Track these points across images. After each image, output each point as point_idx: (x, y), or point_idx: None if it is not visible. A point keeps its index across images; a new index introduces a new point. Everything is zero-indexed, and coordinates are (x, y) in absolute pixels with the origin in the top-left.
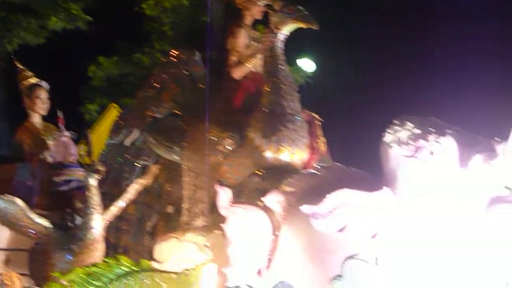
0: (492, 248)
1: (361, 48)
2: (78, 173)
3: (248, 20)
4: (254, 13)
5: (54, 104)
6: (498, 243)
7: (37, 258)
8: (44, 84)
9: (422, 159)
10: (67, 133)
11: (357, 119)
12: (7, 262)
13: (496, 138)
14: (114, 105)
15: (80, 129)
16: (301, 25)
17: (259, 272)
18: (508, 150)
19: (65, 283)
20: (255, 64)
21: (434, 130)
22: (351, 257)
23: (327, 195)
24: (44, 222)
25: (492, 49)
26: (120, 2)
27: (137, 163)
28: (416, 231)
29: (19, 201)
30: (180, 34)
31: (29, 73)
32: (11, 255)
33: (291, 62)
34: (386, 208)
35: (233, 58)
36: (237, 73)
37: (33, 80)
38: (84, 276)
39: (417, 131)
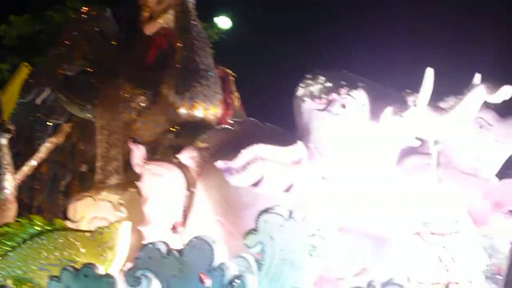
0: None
1: (274, 4)
2: None
3: None
4: None
5: None
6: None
7: None
8: None
9: (335, 112)
10: None
11: (271, 75)
12: None
13: (407, 90)
14: (26, 64)
15: None
16: None
17: (174, 229)
18: (420, 101)
19: None
20: (167, 20)
21: (345, 83)
22: (265, 211)
23: (242, 150)
24: None
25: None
26: None
27: (49, 122)
28: (330, 184)
29: None
30: None
31: None
32: None
33: (206, 19)
34: (300, 162)
35: (145, 14)
36: (149, 29)
37: None
38: None
39: (329, 85)
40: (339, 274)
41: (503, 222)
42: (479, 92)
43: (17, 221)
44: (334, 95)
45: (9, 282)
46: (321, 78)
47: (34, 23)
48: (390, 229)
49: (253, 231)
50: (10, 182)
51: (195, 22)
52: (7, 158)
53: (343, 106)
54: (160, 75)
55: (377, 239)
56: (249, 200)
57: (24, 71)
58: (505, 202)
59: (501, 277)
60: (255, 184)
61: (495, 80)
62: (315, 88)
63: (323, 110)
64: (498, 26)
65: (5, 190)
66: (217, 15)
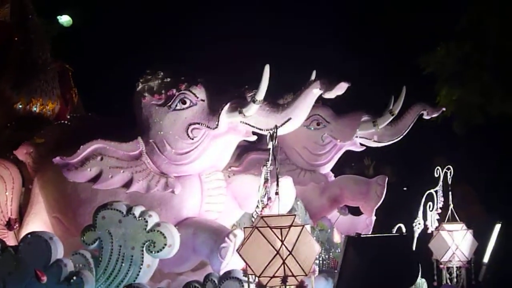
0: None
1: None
2: None
3: None
4: None
5: None
6: None
7: None
8: None
9: (174, 108)
10: None
11: (111, 70)
12: None
13: (245, 86)
14: None
15: None
16: None
17: (9, 226)
18: (257, 97)
19: None
20: (3, 14)
21: (185, 79)
22: (103, 206)
23: (80, 146)
24: None
25: None
26: None
27: None
28: (170, 180)
29: None
30: None
31: None
32: None
33: (45, 14)
34: (139, 157)
35: None
36: None
37: None
38: None
39: (169, 80)
40: (178, 269)
41: (339, 217)
42: (315, 88)
43: None
44: (173, 91)
45: None
46: (160, 73)
47: None
48: (226, 223)
49: (91, 227)
50: None
51: (31, 16)
52: None
53: (183, 101)
54: None
55: (214, 233)
56: (87, 196)
57: None
58: (340, 198)
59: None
60: (93, 180)
61: (331, 76)
62: (155, 83)
63: (162, 105)
64: (335, 25)
65: None
66: (57, 11)
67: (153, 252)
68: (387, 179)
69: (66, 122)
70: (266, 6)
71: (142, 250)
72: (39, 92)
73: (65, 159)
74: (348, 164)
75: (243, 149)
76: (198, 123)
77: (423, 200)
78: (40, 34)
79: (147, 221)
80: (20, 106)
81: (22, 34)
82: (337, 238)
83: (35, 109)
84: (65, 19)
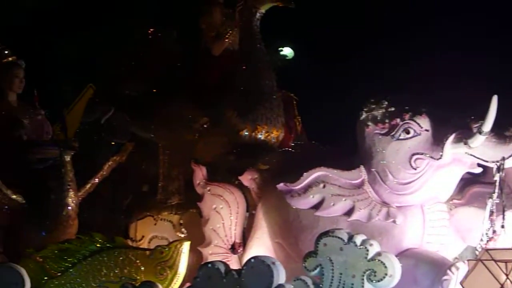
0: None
1: (338, 31)
2: (53, 152)
3: None
4: None
5: (29, 83)
6: None
7: (11, 235)
8: (22, 62)
9: (397, 137)
10: (42, 112)
11: (334, 99)
12: None
13: (471, 117)
14: (91, 85)
15: (56, 109)
16: (278, 3)
17: (233, 250)
18: (484, 128)
19: (39, 259)
20: (233, 41)
21: (409, 108)
22: (325, 234)
23: (303, 173)
24: (19, 199)
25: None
26: None
27: (112, 141)
28: (392, 210)
29: None
30: (156, 13)
31: (7, 52)
32: None
33: (269, 45)
34: (361, 186)
35: (211, 34)
36: (216, 49)
37: (11, 58)
38: (57, 253)
39: (392, 109)
40: None
41: None
42: None
43: (78, 237)
44: (397, 120)
45: None
46: (384, 103)
47: (99, 45)
48: (448, 255)
49: (313, 254)
50: (73, 199)
51: (259, 45)
52: (70, 175)
53: (407, 131)
54: (223, 97)
55: (436, 265)
56: (309, 222)
57: (89, 92)
58: None
59: None
60: (315, 207)
61: None
62: (378, 112)
63: (386, 134)
64: None
65: (68, 207)
66: (280, 43)
67: (374, 281)
68: None
69: (290, 149)
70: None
71: (363, 279)
72: (264, 120)
73: (289, 185)
74: None
75: (465, 182)
76: (422, 153)
77: None
78: (266, 63)
79: (368, 250)
80: (246, 133)
81: (250, 63)
82: None
83: (260, 136)
84: (287, 51)
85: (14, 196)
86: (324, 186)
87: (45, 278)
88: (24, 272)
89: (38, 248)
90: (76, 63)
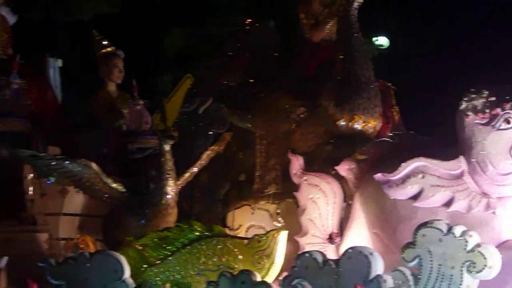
0: None
1: (435, 18)
2: (152, 141)
3: None
4: None
5: (128, 73)
6: None
7: (111, 223)
8: (121, 53)
9: (498, 127)
10: (141, 102)
11: (432, 88)
12: (81, 227)
13: None
14: (189, 75)
15: (154, 99)
16: None
17: (330, 239)
18: None
19: (138, 247)
20: (330, 30)
21: (510, 98)
22: (424, 224)
23: (401, 163)
24: (119, 187)
25: None
26: None
27: (210, 131)
28: (492, 201)
29: (94, 166)
30: (253, 4)
31: (106, 42)
32: (85, 220)
33: (365, 34)
34: (461, 177)
35: (310, 22)
36: (316, 36)
37: (111, 49)
38: (157, 241)
39: (493, 99)
40: None
41: None
42: None
43: (177, 226)
44: (498, 110)
45: (167, 286)
46: (485, 93)
47: (196, 36)
48: None
49: (411, 244)
50: (172, 188)
51: (357, 35)
52: (170, 164)
53: (507, 121)
54: (320, 87)
55: None
56: (407, 213)
57: (187, 82)
58: None
59: None
60: (414, 197)
61: None
62: (479, 102)
63: (486, 124)
64: None
65: (167, 196)
66: (376, 32)
67: (473, 272)
68: None
69: (387, 139)
70: None
71: (462, 270)
72: (361, 109)
73: (387, 176)
74: None
75: None
76: None
77: None
78: (363, 53)
79: (467, 241)
80: (343, 123)
81: (347, 52)
82: None
83: (357, 126)
84: (383, 40)
85: (114, 185)
86: (423, 177)
87: (145, 266)
88: (123, 260)
89: (137, 236)
90: (174, 54)
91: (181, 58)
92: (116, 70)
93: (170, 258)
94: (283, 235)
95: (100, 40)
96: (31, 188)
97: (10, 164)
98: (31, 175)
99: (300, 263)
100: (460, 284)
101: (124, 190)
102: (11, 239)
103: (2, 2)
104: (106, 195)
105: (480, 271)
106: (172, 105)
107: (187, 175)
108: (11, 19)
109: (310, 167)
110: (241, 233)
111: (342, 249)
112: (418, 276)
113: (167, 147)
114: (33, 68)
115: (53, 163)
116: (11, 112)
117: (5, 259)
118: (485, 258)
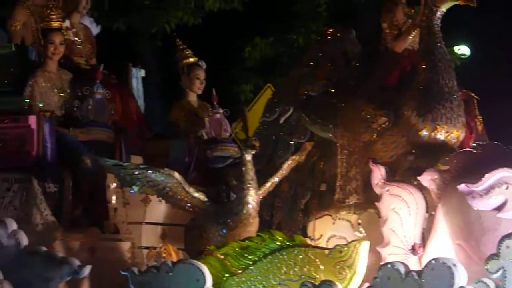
0: None
1: None
2: (232, 149)
3: None
4: None
5: (209, 82)
6: None
7: (193, 233)
8: (203, 64)
9: None
10: (221, 110)
11: None
12: (163, 236)
13: None
14: (270, 85)
15: (234, 108)
16: (460, 1)
17: (413, 250)
18: None
19: (220, 256)
20: (413, 40)
21: None
22: (508, 236)
23: (485, 174)
24: (201, 197)
25: None
26: None
27: (291, 141)
28: None
29: (177, 175)
30: (335, 13)
31: (189, 53)
32: (167, 229)
33: (447, 44)
34: None
35: (393, 32)
36: (399, 46)
37: (193, 59)
38: (238, 250)
39: None
40: None
41: None
42: None
43: (258, 235)
44: None
45: None
46: None
47: (277, 46)
48: None
49: (495, 256)
50: (253, 198)
51: (439, 44)
52: (251, 174)
53: None
54: (402, 97)
55: None
56: (491, 224)
57: (268, 91)
58: None
59: None
60: (498, 209)
61: None
62: None
63: None
64: None
65: (249, 205)
66: (457, 41)
67: None
68: None
69: (470, 150)
70: None
71: None
72: (444, 120)
73: (470, 186)
74: None
75: None
76: None
77: None
78: (446, 62)
79: None
80: (425, 133)
81: (430, 62)
82: None
83: (439, 136)
84: (464, 50)
85: (196, 194)
86: (507, 188)
87: (226, 275)
88: (205, 269)
89: (219, 245)
90: (255, 63)
91: (262, 67)
92: (198, 81)
93: (251, 267)
94: (365, 246)
95: (183, 50)
96: (114, 197)
97: (93, 173)
98: (114, 184)
99: (382, 274)
100: None
101: (206, 199)
102: (94, 248)
103: (86, 13)
104: (188, 205)
105: None
106: (253, 115)
107: (268, 184)
108: (95, 30)
109: (391, 177)
110: (322, 243)
111: (425, 260)
112: None
113: (248, 157)
114: (117, 78)
115: (136, 172)
116: (94, 122)
117: (88, 268)
118: None
